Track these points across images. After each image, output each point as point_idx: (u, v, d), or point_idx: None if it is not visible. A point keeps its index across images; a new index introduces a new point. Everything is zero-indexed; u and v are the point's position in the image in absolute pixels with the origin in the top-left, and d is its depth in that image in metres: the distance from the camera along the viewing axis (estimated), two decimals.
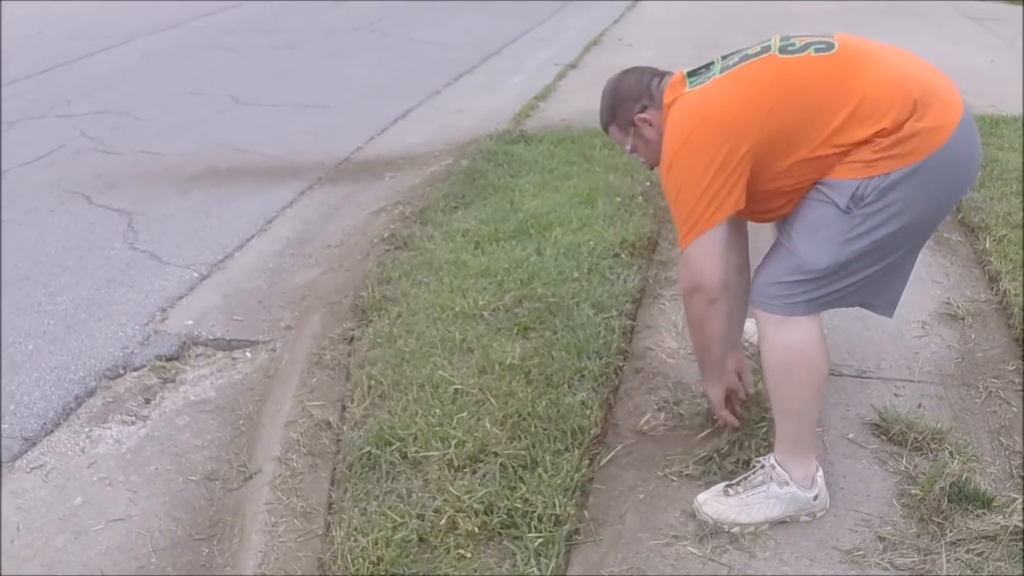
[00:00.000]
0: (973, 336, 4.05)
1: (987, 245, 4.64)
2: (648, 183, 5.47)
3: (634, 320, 4.17)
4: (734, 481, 2.95)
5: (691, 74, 2.75)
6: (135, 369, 4.24)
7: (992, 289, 4.39)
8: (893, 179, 2.47)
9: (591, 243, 4.70)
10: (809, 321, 2.70)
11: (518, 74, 9.00)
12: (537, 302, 4.26)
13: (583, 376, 3.70)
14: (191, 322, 4.65)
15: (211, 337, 4.51)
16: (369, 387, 3.77)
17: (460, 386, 3.67)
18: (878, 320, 3.71)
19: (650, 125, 2.86)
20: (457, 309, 4.22)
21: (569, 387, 3.64)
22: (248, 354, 4.40)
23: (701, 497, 2.93)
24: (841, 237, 2.57)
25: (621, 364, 3.86)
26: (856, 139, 2.49)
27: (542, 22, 11.53)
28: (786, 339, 2.72)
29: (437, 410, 3.53)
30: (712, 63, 2.74)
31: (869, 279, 2.68)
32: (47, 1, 13.64)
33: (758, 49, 2.65)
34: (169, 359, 4.35)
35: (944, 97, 2.53)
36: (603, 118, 3.04)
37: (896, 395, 3.64)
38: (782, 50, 2.62)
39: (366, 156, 6.79)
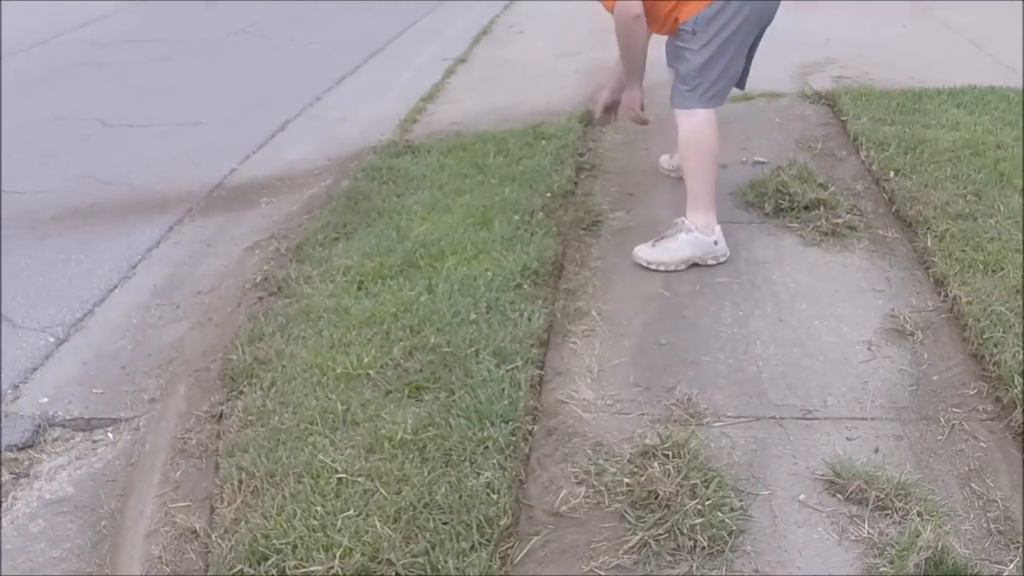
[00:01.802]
0: (926, 355, 3.64)
1: (928, 243, 4.20)
2: (548, 195, 4.91)
3: (542, 368, 3.67)
4: (658, 237, 4.37)
5: None
6: None
7: (940, 295, 4.00)
8: (710, 10, 4.00)
9: (489, 274, 4.18)
10: (705, 114, 4.22)
11: (405, 71, 8.43)
12: (430, 353, 3.75)
13: (487, 448, 3.20)
14: (46, 399, 4.08)
15: (68, 416, 3.94)
16: (240, 481, 3.24)
17: (344, 474, 3.16)
18: (819, 345, 3.65)
19: None
20: (339, 370, 3.71)
21: (472, 464, 3.15)
22: (110, 435, 3.84)
23: (636, 249, 4.39)
24: (695, 48, 4.09)
25: (531, 428, 3.38)
26: None
27: (429, 12, 10.85)
28: (689, 122, 4.23)
29: (319, 508, 3.02)
30: None
31: (724, 71, 4.18)
32: None
33: None
34: (22, 447, 3.79)
35: None
36: None
37: (848, 439, 3.22)
38: None
39: (241, 179, 6.18)
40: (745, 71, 4.41)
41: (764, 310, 3.85)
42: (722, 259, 4.29)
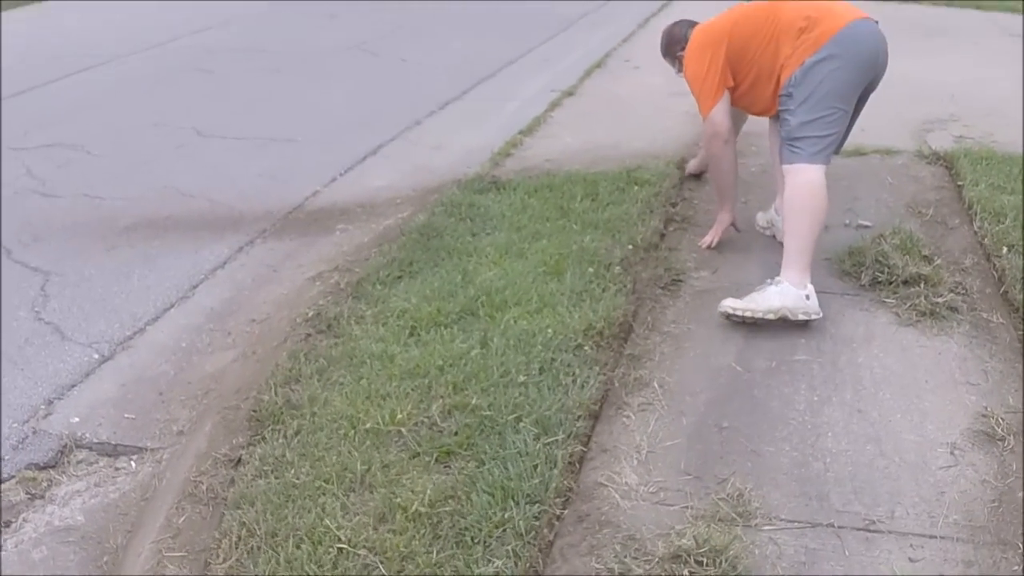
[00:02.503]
0: (1015, 466, 3.20)
1: None
2: (630, 246, 4.51)
3: (587, 443, 3.30)
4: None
5: None
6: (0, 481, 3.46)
7: None
8: (807, 64, 3.98)
9: (549, 331, 3.86)
10: (814, 172, 4.07)
11: (511, 101, 8.10)
12: (469, 415, 3.46)
13: (505, 531, 2.88)
14: (77, 419, 3.90)
15: (96, 440, 3.77)
16: (239, 538, 2.99)
17: (346, 544, 2.88)
18: (896, 444, 3.33)
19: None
20: (369, 424, 3.45)
21: (485, 548, 2.84)
22: (133, 464, 3.67)
23: (723, 301, 4.07)
24: (794, 108, 4.07)
25: (560, 511, 3.05)
26: (783, 49, 4.14)
27: (549, 39, 10.54)
28: (797, 180, 4.07)
29: None
30: None
31: (831, 134, 4.09)
32: (42, 17, 12.74)
33: None
34: (43, 467, 3.64)
35: (838, 14, 4.05)
36: (661, 50, 4.76)
37: (911, 559, 2.82)
38: None
39: (322, 203, 5.91)
40: (848, 128, 4.22)
41: (843, 397, 3.44)
42: (814, 316, 3.97)
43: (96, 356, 4.37)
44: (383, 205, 5.82)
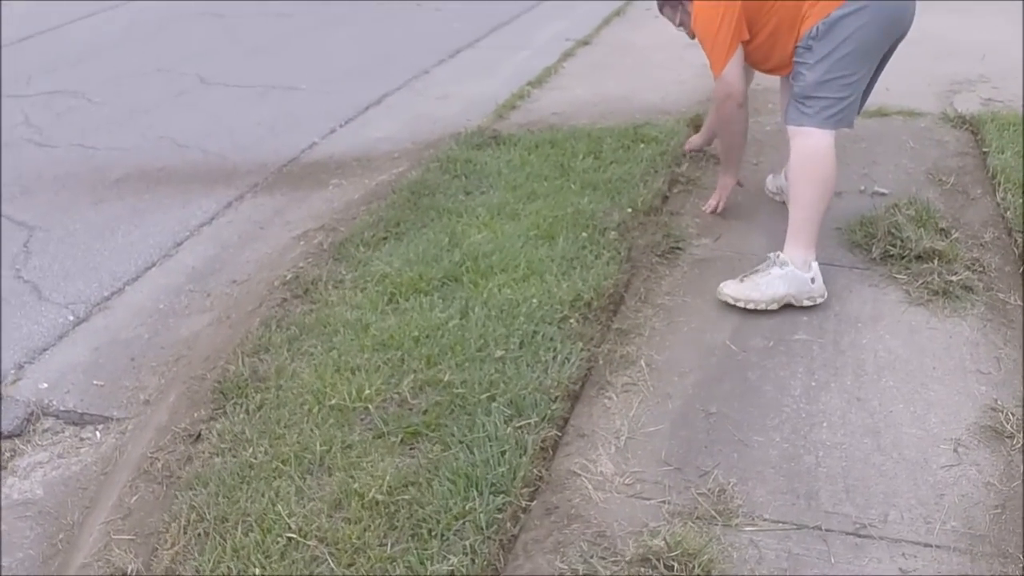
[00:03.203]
0: (1022, 468, 2.92)
1: None
2: (630, 209, 4.25)
3: (563, 426, 3.07)
4: (748, 272, 3.78)
5: None
6: None
7: None
8: (833, 16, 3.57)
9: (534, 301, 3.63)
10: (823, 137, 3.69)
11: (524, 49, 7.82)
12: (441, 392, 3.26)
13: (465, 524, 2.69)
14: (46, 385, 3.79)
15: (63, 408, 3.65)
16: (188, 522, 2.83)
17: (296, 534, 2.71)
18: (896, 438, 3.06)
19: (690, 2, 3.94)
20: (335, 401, 3.26)
21: (442, 542, 2.65)
22: (98, 434, 3.54)
23: (722, 284, 3.76)
24: (812, 62, 3.65)
25: (527, 503, 2.84)
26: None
27: None
28: (805, 144, 3.70)
29: (256, 570, 2.60)
30: None
31: (848, 98, 3.69)
32: None
33: None
34: (8, 435, 3.51)
35: None
36: (659, 1, 4.19)
37: (901, 570, 2.58)
38: None
39: (318, 155, 5.71)
40: (867, 92, 3.89)
41: (842, 383, 3.18)
42: (819, 300, 3.72)
43: (71, 318, 4.24)
44: (380, 159, 5.59)
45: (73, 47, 8.64)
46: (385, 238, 4.26)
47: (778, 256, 3.70)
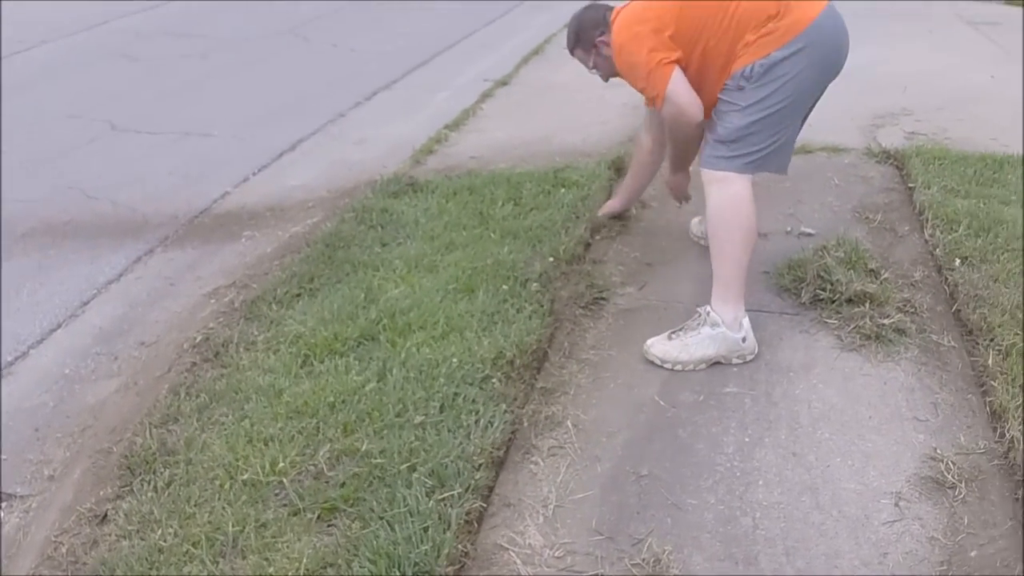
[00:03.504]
0: (966, 519, 2.87)
1: (989, 360, 3.38)
2: (551, 259, 4.12)
3: (488, 496, 2.96)
4: (677, 328, 3.62)
5: None
6: None
7: (995, 432, 3.22)
8: (773, 58, 3.34)
9: (454, 360, 3.50)
10: (741, 183, 3.50)
11: (442, 90, 7.69)
12: (359, 463, 3.12)
13: None
14: None
15: None
16: None
17: None
18: (835, 494, 2.97)
19: (607, 46, 3.69)
20: (248, 475, 3.10)
21: None
22: (1, 513, 3.30)
23: (649, 342, 3.63)
24: (740, 108, 3.43)
25: None
26: (741, 35, 3.42)
27: (490, 23, 10.10)
28: (723, 194, 3.50)
29: None
30: None
31: (774, 143, 3.50)
32: None
33: None
34: None
35: (802, 3, 3.38)
36: (569, 43, 3.91)
37: None
38: None
39: (231, 205, 5.53)
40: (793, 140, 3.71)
41: (777, 437, 3.09)
42: (749, 358, 3.62)
43: None
44: (294, 208, 5.43)
45: None
46: (299, 295, 4.11)
47: (708, 314, 3.56)
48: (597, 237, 4.62)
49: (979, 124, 6.22)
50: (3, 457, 3.54)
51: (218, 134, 6.96)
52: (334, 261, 4.38)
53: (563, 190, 5.02)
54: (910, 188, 4.99)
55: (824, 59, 3.44)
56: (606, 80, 3.92)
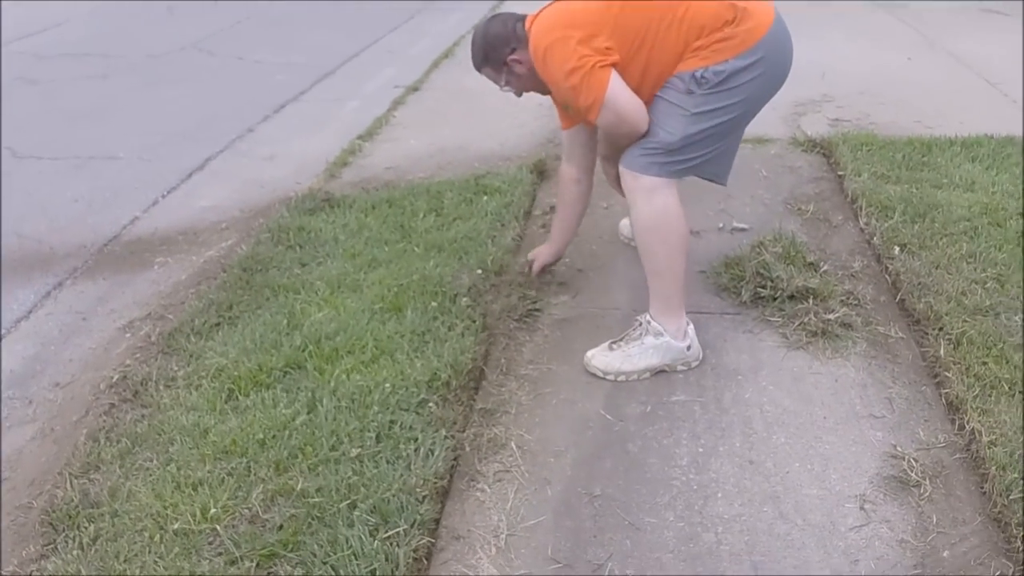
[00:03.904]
0: (935, 518, 2.81)
1: (940, 350, 3.28)
2: (479, 271, 3.98)
3: (435, 530, 2.78)
4: (616, 338, 3.49)
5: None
6: None
7: (954, 424, 3.17)
8: (731, 66, 3.12)
9: (387, 385, 3.36)
10: (669, 190, 3.27)
11: (352, 99, 7.51)
12: (295, 503, 2.96)
13: None
14: None
15: None
16: None
17: None
18: (797, 501, 2.89)
19: (520, 63, 3.39)
20: (178, 525, 2.93)
21: None
22: None
23: (589, 353, 3.50)
24: (688, 113, 3.18)
25: None
26: (692, 38, 3.14)
27: (395, 28, 9.92)
28: (652, 204, 3.27)
29: None
30: None
31: (713, 152, 3.30)
32: None
33: None
34: None
35: (758, 7, 3.17)
36: (476, 62, 3.55)
37: None
38: None
39: (141, 231, 5.32)
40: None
41: (731, 445, 3.00)
42: (694, 364, 3.53)
43: None
44: (207, 231, 5.22)
45: None
46: (218, 324, 3.93)
47: (650, 323, 3.45)
48: (525, 245, 4.47)
49: (902, 107, 6.20)
50: None
51: (124, 156, 6.72)
52: (252, 286, 4.20)
53: (485, 197, 4.89)
54: (840, 176, 4.93)
55: (778, 68, 3.28)
56: (519, 95, 3.64)
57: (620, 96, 3.18)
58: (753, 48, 3.14)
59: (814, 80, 6.90)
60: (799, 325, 3.64)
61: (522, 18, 3.40)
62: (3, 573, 2.95)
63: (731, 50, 3.13)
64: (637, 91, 3.22)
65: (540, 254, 4.14)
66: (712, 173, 3.44)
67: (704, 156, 3.30)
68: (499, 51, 3.44)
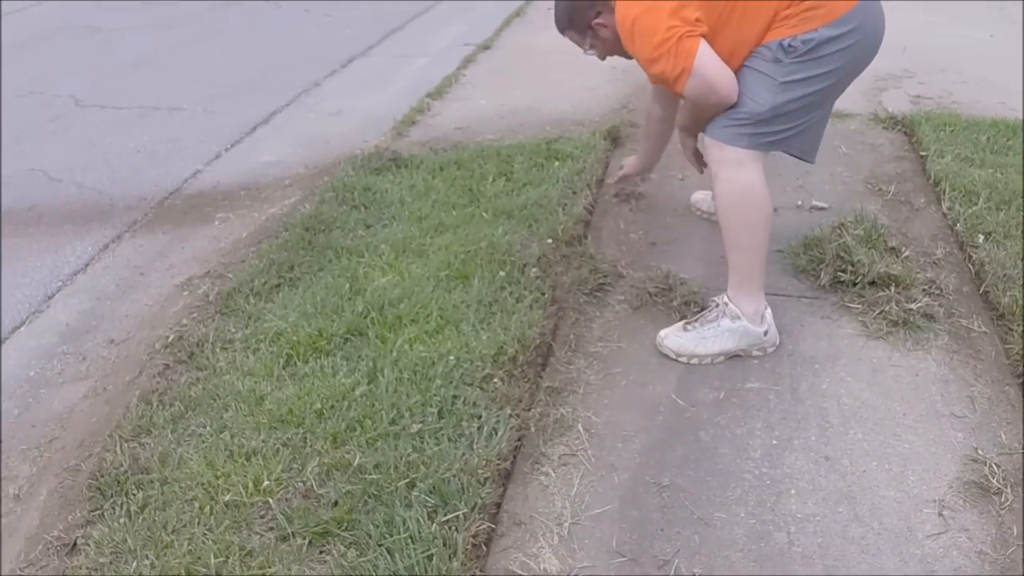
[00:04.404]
0: (1015, 529, 2.60)
1: None
2: (550, 240, 3.80)
3: (496, 514, 2.72)
4: (692, 318, 3.33)
5: None
6: None
7: None
8: (822, 35, 2.94)
9: (451, 358, 3.21)
10: (755, 163, 3.12)
11: (421, 56, 7.35)
12: (352, 479, 2.81)
13: None
14: None
15: None
16: None
17: None
18: (873, 503, 2.69)
19: (605, 27, 3.26)
20: (229, 496, 2.79)
21: None
22: None
23: (662, 333, 3.34)
24: (776, 82, 3.01)
25: None
26: (781, 7, 2.97)
27: None
28: (737, 177, 3.12)
29: None
30: None
31: (802, 126, 3.12)
32: None
33: None
34: None
35: None
36: (559, 25, 3.44)
37: None
38: None
39: (203, 185, 5.18)
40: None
41: (806, 438, 2.80)
42: (770, 350, 3.35)
43: None
44: (270, 187, 5.09)
45: None
46: (278, 285, 3.79)
47: (727, 304, 3.29)
48: (597, 215, 4.27)
49: (984, 87, 5.94)
50: None
51: (187, 107, 6.61)
52: (315, 246, 4.06)
53: (557, 163, 4.70)
54: (922, 156, 4.70)
55: (869, 39, 3.08)
56: (603, 59, 3.50)
57: (709, 64, 2.99)
58: (844, 18, 2.96)
59: (895, 54, 6.62)
60: (879, 313, 3.45)
61: None
62: (48, 536, 2.86)
63: (820, 19, 2.95)
64: (726, 62, 3.04)
65: (629, 163, 4.36)
66: (800, 149, 3.24)
67: (793, 129, 3.12)
68: (584, 14, 3.32)
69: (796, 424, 2.98)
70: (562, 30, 3.46)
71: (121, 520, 2.77)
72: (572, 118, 5.65)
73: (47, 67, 7.82)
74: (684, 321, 3.39)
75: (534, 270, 3.73)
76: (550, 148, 4.91)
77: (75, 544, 2.77)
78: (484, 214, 4.22)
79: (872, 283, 3.53)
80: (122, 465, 2.98)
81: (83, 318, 4.09)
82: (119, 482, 2.93)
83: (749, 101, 3.06)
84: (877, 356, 3.28)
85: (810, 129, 3.21)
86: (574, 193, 4.38)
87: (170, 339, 3.64)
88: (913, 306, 3.41)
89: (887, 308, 3.41)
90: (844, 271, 3.59)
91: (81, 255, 4.62)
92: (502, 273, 3.70)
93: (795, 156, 3.28)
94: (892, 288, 3.48)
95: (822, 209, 4.22)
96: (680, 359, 3.33)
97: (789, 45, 2.99)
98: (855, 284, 3.55)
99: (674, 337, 3.34)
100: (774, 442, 2.92)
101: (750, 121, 3.08)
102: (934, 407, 3.03)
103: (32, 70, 7.74)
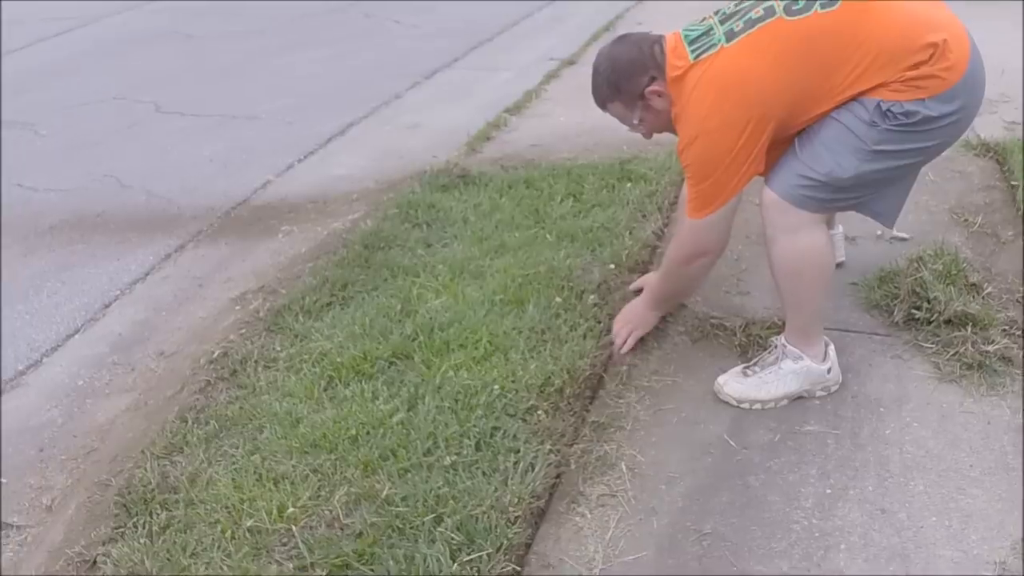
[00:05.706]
0: None
1: None
2: (612, 265, 3.64)
3: (524, 556, 2.61)
4: (751, 362, 3.10)
5: (691, 41, 2.75)
6: None
7: None
8: (929, 108, 2.60)
9: (496, 387, 3.13)
10: (817, 225, 2.83)
11: (505, 70, 7.23)
12: (379, 510, 2.71)
13: None
14: None
15: None
16: None
17: None
18: (927, 565, 2.47)
19: (659, 96, 2.85)
20: (252, 522, 2.70)
21: None
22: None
23: (721, 379, 3.08)
24: (867, 149, 2.67)
25: None
26: (875, 84, 2.62)
27: None
28: (796, 244, 2.84)
29: None
30: (710, 28, 2.75)
31: (883, 193, 2.87)
32: None
33: (761, 12, 2.67)
34: None
35: (954, 35, 2.62)
36: (601, 95, 3.00)
37: None
38: (787, 10, 2.64)
39: (271, 196, 5.13)
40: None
41: (862, 488, 2.60)
42: (833, 388, 3.11)
43: None
44: (337, 201, 5.02)
45: (35, 69, 8.21)
46: (329, 304, 3.72)
47: (786, 347, 3.05)
48: (666, 240, 4.10)
49: None
50: (3, 481, 3.25)
51: (265, 116, 6.59)
52: (371, 265, 3.96)
53: (629, 184, 4.54)
54: (1013, 186, 4.42)
55: (972, 109, 2.78)
56: (649, 136, 3.18)
57: (719, 226, 3.00)
58: (952, 91, 2.66)
59: (993, 77, 6.30)
60: (953, 355, 3.20)
61: (659, 39, 2.89)
62: (70, 551, 2.82)
63: (928, 90, 2.64)
64: (790, 121, 2.78)
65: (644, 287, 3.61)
66: (875, 212, 3.00)
67: (871, 195, 2.89)
68: (634, 81, 2.91)
69: (853, 472, 2.79)
70: (604, 103, 3.07)
71: (142, 540, 2.71)
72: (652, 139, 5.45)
73: (136, 73, 7.92)
74: (743, 365, 3.15)
75: (592, 297, 3.59)
76: (624, 168, 4.76)
77: (95, 561, 2.72)
78: (548, 236, 4.09)
79: (948, 322, 3.31)
80: (150, 483, 2.92)
81: (136, 328, 4.07)
82: (145, 500, 2.87)
83: (831, 162, 2.74)
84: (948, 401, 3.06)
85: (894, 195, 2.98)
86: (643, 216, 4.22)
87: (215, 355, 3.58)
88: (990, 348, 3.18)
89: (962, 349, 3.19)
90: (919, 308, 3.37)
91: (143, 263, 4.61)
92: (559, 299, 3.57)
93: (870, 217, 3.05)
94: (969, 328, 3.26)
95: (903, 240, 4.00)
96: (742, 406, 3.10)
97: (888, 111, 2.66)
98: (930, 322, 3.34)
99: (734, 383, 3.11)
100: (828, 491, 2.73)
101: (828, 185, 2.78)
102: (1004, 459, 2.81)
103: (119, 76, 7.83)
